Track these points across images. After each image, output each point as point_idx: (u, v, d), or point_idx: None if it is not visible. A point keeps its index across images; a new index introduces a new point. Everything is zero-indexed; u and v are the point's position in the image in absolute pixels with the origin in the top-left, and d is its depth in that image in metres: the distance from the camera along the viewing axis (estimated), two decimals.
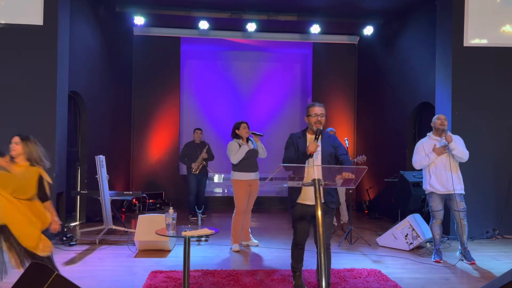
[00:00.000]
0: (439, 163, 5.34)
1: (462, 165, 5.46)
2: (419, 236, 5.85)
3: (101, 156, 6.44)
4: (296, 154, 3.87)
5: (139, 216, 5.82)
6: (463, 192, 5.36)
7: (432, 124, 5.50)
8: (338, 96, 10.52)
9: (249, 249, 6.01)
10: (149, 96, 10.09)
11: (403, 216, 6.37)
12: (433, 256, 5.47)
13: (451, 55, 6.86)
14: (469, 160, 5.39)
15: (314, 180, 3.31)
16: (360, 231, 6.89)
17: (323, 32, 9.73)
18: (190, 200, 8.45)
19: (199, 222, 6.76)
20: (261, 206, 9.45)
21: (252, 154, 6.02)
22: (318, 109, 3.90)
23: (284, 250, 5.81)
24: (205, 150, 8.38)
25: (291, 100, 11.16)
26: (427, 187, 5.44)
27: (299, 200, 3.91)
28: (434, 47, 7.33)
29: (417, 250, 5.94)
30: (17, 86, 6.28)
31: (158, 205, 9.32)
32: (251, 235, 6.27)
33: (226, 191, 10.61)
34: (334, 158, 3.93)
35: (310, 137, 3.95)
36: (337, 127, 9.15)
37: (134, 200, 9.11)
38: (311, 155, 3.70)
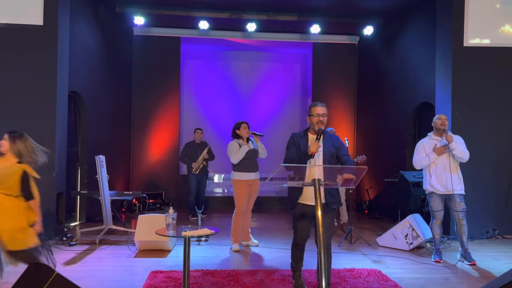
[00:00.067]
0: (440, 163, 5.33)
1: (462, 165, 5.46)
2: (419, 236, 5.85)
3: (101, 156, 6.44)
4: (297, 154, 3.86)
5: (139, 216, 5.82)
6: (463, 192, 5.35)
7: (433, 124, 5.49)
8: (338, 96, 10.52)
9: (249, 249, 6.01)
10: (149, 96, 10.09)
11: (403, 216, 6.37)
12: (433, 256, 5.47)
13: (451, 55, 6.86)
14: (469, 160, 5.39)
15: (314, 180, 3.31)
16: (360, 231, 6.89)
17: (323, 32, 9.73)
18: (190, 200, 8.46)
19: (199, 222, 6.76)
20: (261, 206, 9.45)
21: (252, 154, 6.02)
22: (320, 109, 3.88)
23: (284, 250, 5.81)
24: (206, 151, 8.39)
25: (291, 100, 11.15)
26: (427, 187, 5.44)
27: (300, 200, 3.91)
28: (434, 47, 7.33)
29: (417, 250, 5.94)
30: (17, 86, 6.29)
31: (158, 205, 9.33)
32: (251, 235, 6.27)
33: (226, 191, 10.61)
34: (335, 158, 3.92)
35: (311, 137, 3.93)
36: (337, 127, 9.15)
37: (134, 200, 9.11)
38: (312, 156, 3.69)
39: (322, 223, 3.23)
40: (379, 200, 9.24)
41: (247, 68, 11.10)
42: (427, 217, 5.99)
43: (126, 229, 6.53)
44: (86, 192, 7.24)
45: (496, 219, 6.84)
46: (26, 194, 3.87)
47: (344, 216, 7.37)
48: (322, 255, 3.15)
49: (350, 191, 6.73)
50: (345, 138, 7.14)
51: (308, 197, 3.85)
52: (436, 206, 5.38)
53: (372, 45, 9.85)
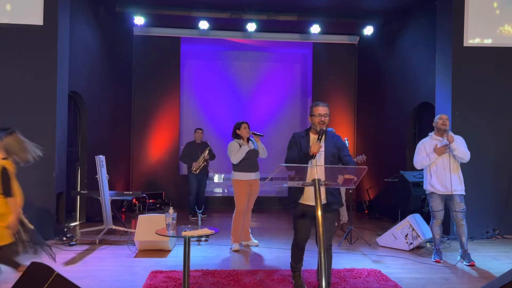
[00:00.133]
0: (440, 164, 5.33)
1: (461, 165, 5.45)
2: (419, 236, 5.85)
3: (101, 156, 6.44)
4: (298, 154, 3.84)
5: (139, 216, 5.82)
6: (463, 193, 5.34)
7: (434, 124, 5.48)
8: (338, 96, 10.52)
9: (249, 249, 6.01)
10: (149, 96, 10.09)
11: (403, 216, 6.37)
12: (433, 256, 5.47)
13: (451, 55, 6.86)
14: (469, 160, 5.39)
15: (314, 180, 3.31)
16: (360, 231, 6.89)
17: (323, 32, 9.73)
18: (190, 200, 8.46)
19: (199, 222, 6.76)
20: (261, 206, 9.45)
21: (252, 154, 6.02)
22: (322, 109, 3.85)
23: (284, 250, 5.81)
24: (207, 152, 8.40)
25: (291, 100, 11.15)
26: (427, 187, 5.44)
27: (301, 201, 3.89)
28: (434, 47, 7.33)
29: (417, 250, 5.94)
30: (17, 86, 6.29)
31: (158, 205, 9.32)
32: (251, 235, 6.27)
33: (226, 191, 10.61)
34: (337, 158, 3.90)
35: (313, 137, 3.91)
36: (337, 127, 9.15)
37: (134, 200, 9.11)
38: (313, 156, 3.67)
39: (323, 223, 3.23)
40: (379, 200, 9.24)
41: (247, 68, 11.10)
42: (427, 217, 5.99)
43: (126, 229, 6.52)
44: (86, 192, 7.24)
45: (496, 219, 6.84)
46: (5, 191, 3.79)
47: (344, 216, 7.36)
48: (322, 255, 3.15)
49: (350, 191, 6.73)
50: (345, 138, 7.14)
51: (309, 197, 3.83)
52: (437, 206, 5.38)
53: (372, 45, 9.85)
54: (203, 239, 6.34)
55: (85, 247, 5.93)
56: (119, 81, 9.37)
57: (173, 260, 5.37)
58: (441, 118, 5.40)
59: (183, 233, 3.76)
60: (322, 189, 3.75)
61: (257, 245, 6.18)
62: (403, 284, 4.49)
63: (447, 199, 5.38)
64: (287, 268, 4.70)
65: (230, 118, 9.55)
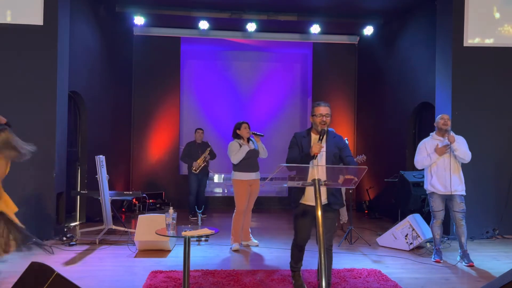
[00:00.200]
0: (441, 164, 5.33)
1: (462, 165, 5.45)
2: (419, 236, 5.85)
3: (101, 156, 6.44)
4: (300, 154, 3.83)
5: (139, 216, 5.82)
6: (464, 193, 5.33)
7: (435, 124, 5.48)
8: (338, 96, 10.52)
9: (249, 249, 6.01)
10: (149, 96, 10.09)
11: (403, 216, 6.37)
12: (433, 256, 5.47)
13: (451, 55, 6.86)
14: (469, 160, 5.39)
15: (314, 180, 3.30)
16: (360, 231, 6.89)
17: (323, 32, 9.73)
18: (190, 200, 8.46)
19: (199, 222, 6.76)
20: (261, 206, 9.45)
21: (252, 154, 6.03)
22: (323, 109, 3.83)
23: (284, 250, 5.81)
24: (208, 152, 8.40)
25: (291, 100, 11.16)
26: (428, 187, 5.44)
27: (302, 201, 3.89)
28: (434, 47, 7.33)
29: (417, 250, 5.94)
30: (17, 86, 6.28)
31: (158, 205, 9.33)
32: (251, 235, 6.27)
33: (226, 191, 10.61)
34: (338, 158, 3.89)
35: (314, 137, 3.89)
36: (337, 127, 9.16)
37: (134, 200, 9.11)
38: (314, 156, 3.66)
39: (324, 223, 3.22)
40: (379, 200, 9.24)
41: (247, 68, 11.10)
42: (427, 217, 5.99)
43: (126, 229, 6.52)
44: (86, 192, 7.23)
45: (496, 219, 6.84)
46: None
47: (344, 216, 7.36)
48: (322, 255, 3.15)
49: (350, 191, 6.74)
50: (345, 138, 7.13)
51: (310, 197, 3.80)
52: (437, 206, 5.38)
53: (372, 45, 9.85)
54: (203, 239, 6.34)
55: (85, 247, 5.93)
56: (119, 81, 9.37)
57: (173, 260, 5.37)
58: (443, 118, 5.39)
59: (183, 233, 3.76)
60: (323, 189, 3.75)
61: (257, 245, 6.18)
62: (403, 284, 4.49)
63: (448, 199, 5.38)
64: (287, 268, 4.69)
65: (230, 118, 9.56)
